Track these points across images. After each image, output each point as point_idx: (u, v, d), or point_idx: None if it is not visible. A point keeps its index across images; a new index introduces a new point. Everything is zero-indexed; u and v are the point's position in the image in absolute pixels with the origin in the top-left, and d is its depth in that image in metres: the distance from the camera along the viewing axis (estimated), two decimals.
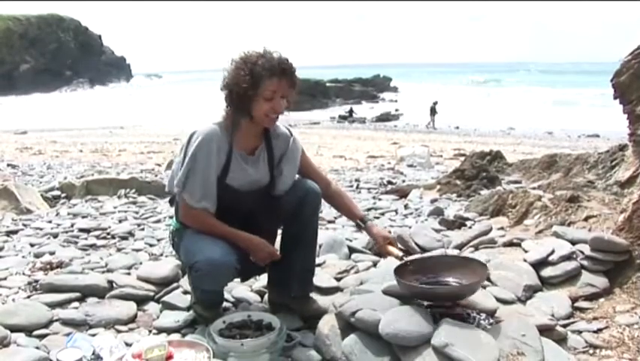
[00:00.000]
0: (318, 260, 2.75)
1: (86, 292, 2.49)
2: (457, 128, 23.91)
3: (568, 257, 2.48)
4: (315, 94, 34.05)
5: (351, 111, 30.15)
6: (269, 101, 2.00)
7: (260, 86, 1.98)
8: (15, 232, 3.95)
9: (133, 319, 2.33)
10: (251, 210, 2.17)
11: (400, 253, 2.20)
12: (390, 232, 3.51)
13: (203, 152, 2.01)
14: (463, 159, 7.65)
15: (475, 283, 1.98)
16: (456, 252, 2.95)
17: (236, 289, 2.53)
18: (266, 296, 2.45)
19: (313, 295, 2.36)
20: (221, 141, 2.05)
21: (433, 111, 24.84)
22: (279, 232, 2.35)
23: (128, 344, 1.97)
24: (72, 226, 4.08)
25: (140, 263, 3.01)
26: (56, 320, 2.25)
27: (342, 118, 29.01)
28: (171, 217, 2.41)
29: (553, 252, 2.51)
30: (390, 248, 2.21)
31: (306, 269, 2.29)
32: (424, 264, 2.20)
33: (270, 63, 1.99)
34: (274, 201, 2.20)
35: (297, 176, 2.24)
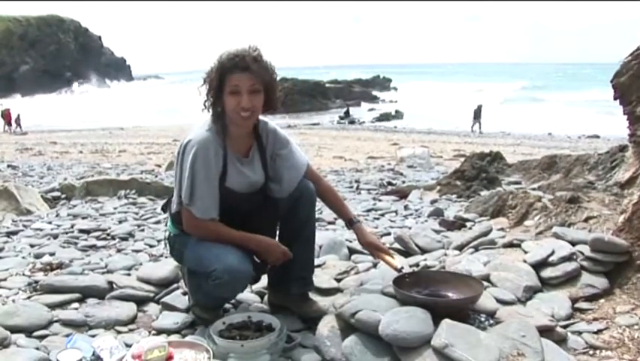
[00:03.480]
0: (318, 261, 2.75)
1: (85, 293, 2.49)
2: (457, 128, 23.91)
3: (568, 258, 2.48)
4: (314, 95, 34.07)
5: (347, 112, 30.15)
6: (234, 96, 1.98)
7: (224, 81, 1.98)
8: (15, 233, 3.96)
9: (133, 320, 2.33)
10: (248, 212, 2.16)
11: (399, 265, 2.18)
12: (389, 233, 3.51)
13: (201, 162, 1.99)
14: (463, 159, 7.65)
15: (473, 297, 1.99)
16: (456, 252, 2.95)
17: None
18: (266, 297, 2.44)
19: (313, 296, 2.35)
20: (216, 147, 2.03)
21: (477, 115, 23.47)
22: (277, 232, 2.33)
23: (128, 345, 1.97)
24: (72, 226, 4.09)
25: (140, 264, 3.01)
26: (56, 321, 2.25)
27: (341, 119, 29.06)
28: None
29: (553, 253, 2.51)
30: (389, 259, 2.20)
31: (305, 268, 2.28)
32: (421, 276, 2.21)
33: (230, 57, 1.98)
34: (271, 201, 2.19)
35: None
